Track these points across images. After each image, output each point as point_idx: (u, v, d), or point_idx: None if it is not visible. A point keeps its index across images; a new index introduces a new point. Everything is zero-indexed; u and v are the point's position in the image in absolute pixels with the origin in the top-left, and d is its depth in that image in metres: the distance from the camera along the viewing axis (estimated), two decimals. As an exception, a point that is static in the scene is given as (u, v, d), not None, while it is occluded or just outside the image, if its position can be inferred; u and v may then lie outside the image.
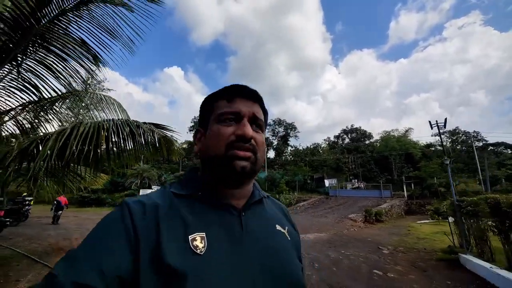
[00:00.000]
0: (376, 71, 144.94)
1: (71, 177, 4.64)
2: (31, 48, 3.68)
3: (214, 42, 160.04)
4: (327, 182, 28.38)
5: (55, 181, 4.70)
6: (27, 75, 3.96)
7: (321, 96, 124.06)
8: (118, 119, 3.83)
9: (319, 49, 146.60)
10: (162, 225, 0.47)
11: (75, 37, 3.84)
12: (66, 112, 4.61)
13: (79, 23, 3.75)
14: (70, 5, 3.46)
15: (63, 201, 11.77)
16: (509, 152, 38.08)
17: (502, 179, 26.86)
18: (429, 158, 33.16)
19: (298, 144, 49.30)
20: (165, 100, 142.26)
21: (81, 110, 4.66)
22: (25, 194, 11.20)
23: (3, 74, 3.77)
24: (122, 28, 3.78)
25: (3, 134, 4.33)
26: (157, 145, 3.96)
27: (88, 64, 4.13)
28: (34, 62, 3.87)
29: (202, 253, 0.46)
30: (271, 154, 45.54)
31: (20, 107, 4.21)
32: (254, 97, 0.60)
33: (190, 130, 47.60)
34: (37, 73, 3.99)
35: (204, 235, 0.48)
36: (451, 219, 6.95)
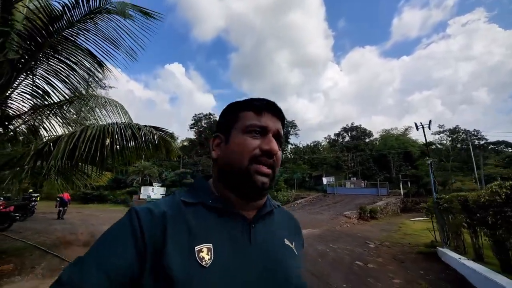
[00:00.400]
0: (378, 68, 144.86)
1: (79, 176, 5.08)
2: (43, 59, 4.09)
3: (215, 38, 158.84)
4: (325, 180, 28.71)
5: (63, 179, 5.13)
6: (39, 82, 4.40)
7: (323, 94, 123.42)
8: (122, 122, 4.23)
9: (321, 46, 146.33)
10: (168, 234, 0.48)
11: (82, 48, 4.26)
12: (72, 115, 5.03)
13: (86, 35, 4.18)
14: (78, 17, 3.85)
15: (66, 197, 12.22)
16: (510, 150, 38.07)
17: (498, 178, 27.18)
18: (427, 156, 33.37)
19: (299, 142, 49.47)
20: (166, 97, 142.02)
21: (87, 113, 5.07)
22: (31, 190, 11.72)
23: (19, 82, 4.19)
24: (124, 39, 4.19)
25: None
26: (157, 144, 4.37)
27: (94, 71, 4.58)
28: (46, 70, 4.31)
29: (207, 266, 0.46)
30: (271, 152, 45.63)
31: (31, 111, 4.64)
32: (280, 114, 0.61)
33: (190, 128, 48.13)
34: (48, 80, 4.43)
35: (211, 247, 0.48)
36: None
